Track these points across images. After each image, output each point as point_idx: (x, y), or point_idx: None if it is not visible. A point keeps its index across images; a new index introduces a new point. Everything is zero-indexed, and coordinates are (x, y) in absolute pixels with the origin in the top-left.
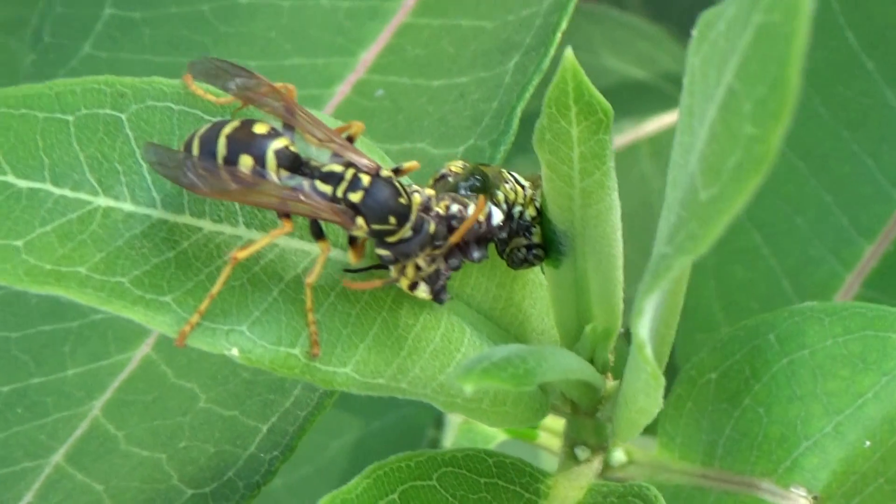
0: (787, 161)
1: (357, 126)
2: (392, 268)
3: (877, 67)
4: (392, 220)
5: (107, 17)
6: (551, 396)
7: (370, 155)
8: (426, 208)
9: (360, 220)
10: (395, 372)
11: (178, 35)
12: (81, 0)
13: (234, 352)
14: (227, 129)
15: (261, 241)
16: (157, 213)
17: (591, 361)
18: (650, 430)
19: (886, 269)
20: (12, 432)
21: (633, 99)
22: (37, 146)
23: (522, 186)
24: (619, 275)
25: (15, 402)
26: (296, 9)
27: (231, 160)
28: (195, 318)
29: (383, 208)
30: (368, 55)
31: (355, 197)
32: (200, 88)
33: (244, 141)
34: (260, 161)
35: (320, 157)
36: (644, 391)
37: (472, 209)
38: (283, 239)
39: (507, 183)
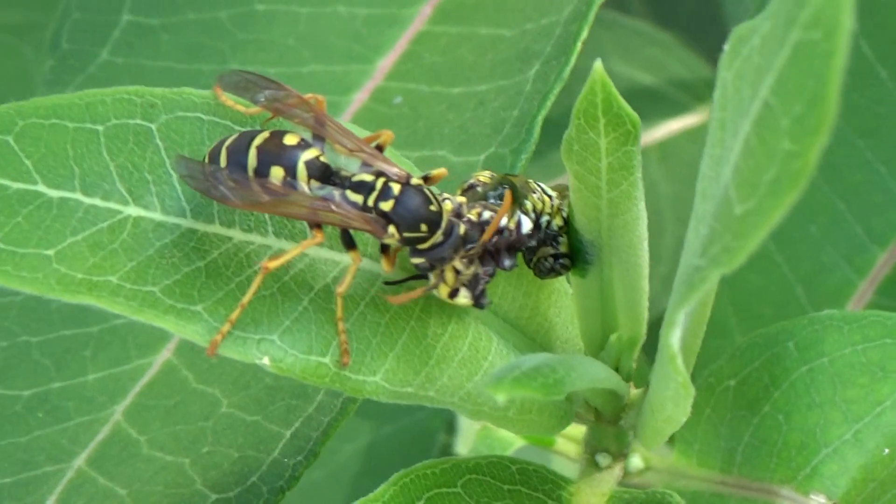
0: None
1: (386, 135)
2: (430, 275)
3: (890, 76)
4: (424, 227)
5: (124, 23)
6: (575, 404)
7: (399, 164)
8: (458, 215)
9: (391, 229)
10: (424, 380)
11: (195, 42)
12: (99, 6)
13: (266, 361)
14: (258, 141)
15: (292, 251)
16: (187, 223)
17: (616, 370)
18: None
19: None
20: (34, 436)
21: (642, 105)
22: (67, 156)
23: (549, 196)
24: (645, 284)
25: (36, 407)
26: (313, 16)
27: (262, 172)
28: (226, 328)
29: (415, 216)
30: (386, 62)
31: (386, 206)
32: (230, 99)
33: (275, 152)
34: (291, 172)
35: (350, 166)
36: (673, 400)
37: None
38: (313, 249)
39: (534, 193)
